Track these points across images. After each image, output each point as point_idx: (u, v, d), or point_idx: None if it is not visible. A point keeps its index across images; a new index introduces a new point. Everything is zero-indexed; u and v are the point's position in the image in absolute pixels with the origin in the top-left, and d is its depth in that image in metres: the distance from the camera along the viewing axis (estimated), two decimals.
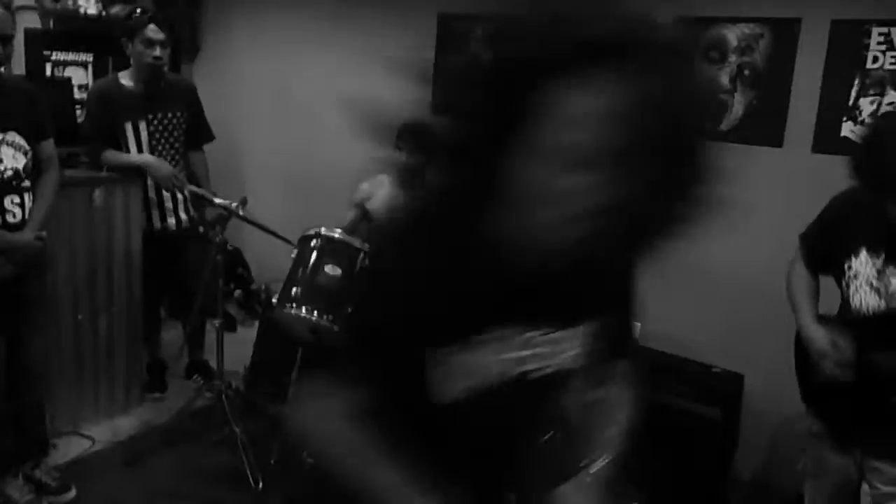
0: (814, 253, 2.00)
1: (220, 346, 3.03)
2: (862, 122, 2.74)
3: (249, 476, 2.76)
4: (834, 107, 2.81)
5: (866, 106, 2.75)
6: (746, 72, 3.00)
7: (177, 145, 3.36)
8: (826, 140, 2.82)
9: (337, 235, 2.60)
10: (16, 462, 2.68)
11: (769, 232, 2.65)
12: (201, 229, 3.39)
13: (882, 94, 2.72)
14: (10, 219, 2.42)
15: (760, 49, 2.97)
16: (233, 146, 4.36)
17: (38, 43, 3.89)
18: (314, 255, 2.57)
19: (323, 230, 2.62)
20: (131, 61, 3.20)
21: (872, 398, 1.80)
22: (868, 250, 1.80)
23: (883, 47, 2.71)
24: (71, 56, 4.00)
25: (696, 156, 0.83)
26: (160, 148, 3.28)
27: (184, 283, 3.37)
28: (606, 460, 1.10)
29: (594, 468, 1.09)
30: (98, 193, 3.07)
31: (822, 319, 1.94)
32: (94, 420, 3.20)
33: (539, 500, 1.08)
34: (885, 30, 2.69)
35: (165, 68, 3.27)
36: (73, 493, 2.68)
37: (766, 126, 2.96)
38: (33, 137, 2.48)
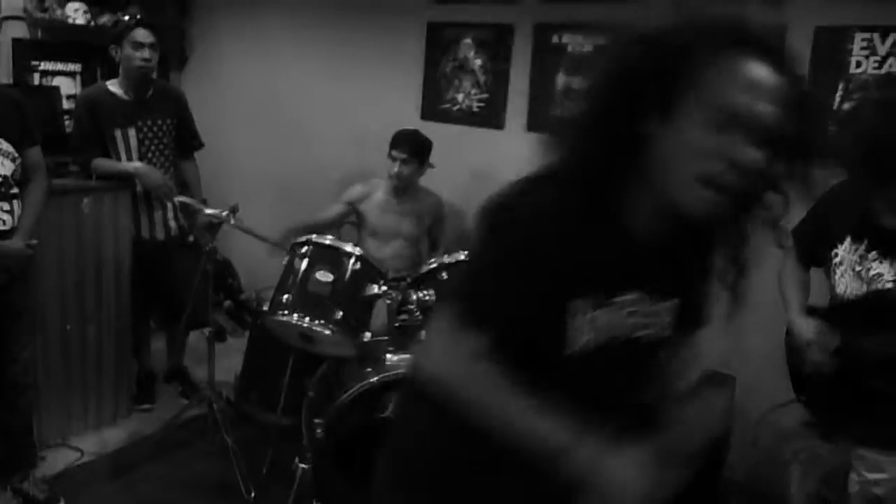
0: (804, 246, 2.06)
1: (210, 355, 3.01)
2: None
3: (241, 485, 2.74)
4: None
5: None
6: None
7: (167, 152, 3.35)
8: None
9: (328, 241, 2.59)
10: (4, 474, 2.65)
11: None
12: (191, 238, 3.38)
13: None
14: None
15: None
16: (221, 154, 4.35)
17: (25, 52, 3.88)
18: (305, 261, 2.56)
19: (314, 237, 2.61)
20: (120, 68, 3.20)
21: (857, 384, 1.85)
22: (852, 238, 1.88)
23: (866, 52, 2.75)
24: (59, 66, 3.99)
25: (809, 148, 1.00)
26: (150, 155, 3.27)
27: (173, 293, 3.36)
28: None
29: None
30: (87, 202, 3.06)
31: (812, 310, 2.01)
32: (82, 431, 3.17)
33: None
34: (867, 35, 2.74)
35: (154, 73, 3.27)
36: None
37: None
38: (21, 144, 2.47)
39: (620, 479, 1.01)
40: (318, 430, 2.47)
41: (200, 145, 3.57)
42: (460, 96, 3.78)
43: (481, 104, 3.72)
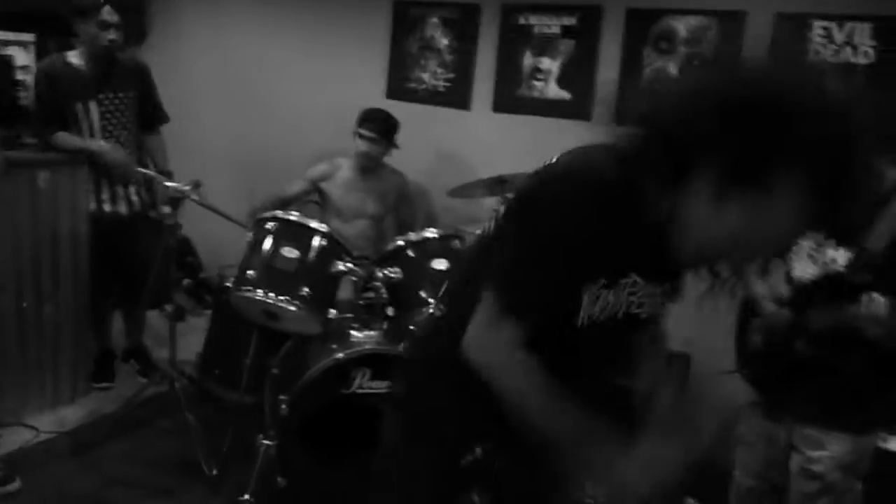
0: None
1: (172, 334, 2.98)
2: None
3: (203, 463, 2.73)
4: None
5: None
6: (695, 62, 3.09)
7: (129, 126, 3.26)
8: None
9: (294, 217, 2.58)
10: None
11: None
12: (153, 213, 3.32)
13: None
14: None
15: (708, 40, 3.06)
16: (182, 131, 4.27)
17: None
18: (271, 237, 2.54)
19: (280, 213, 2.60)
20: (80, 42, 3.11)
21: (802, 361, 1.91)
22: (811, 228, 1.93)
23: (824, 41, 2.82)
24: (12, 36, 3.87)
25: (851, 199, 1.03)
26: (110, 128, 3.18)
27: (134, 269, 3.29)
28: None
29: None
30: (43, 176, 2.98)
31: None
32: (38, 410, 3.10)
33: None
34: (825, 23, 2.81)
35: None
36: (17, 483, 2.60)
37: None
38: None
39: (628, 478, 1.14)
40: (283, 407, 2.47)
41: (166, 118, 3.49)
42: (426, 76, 3.77)
43: (447, 84, 3.72)
